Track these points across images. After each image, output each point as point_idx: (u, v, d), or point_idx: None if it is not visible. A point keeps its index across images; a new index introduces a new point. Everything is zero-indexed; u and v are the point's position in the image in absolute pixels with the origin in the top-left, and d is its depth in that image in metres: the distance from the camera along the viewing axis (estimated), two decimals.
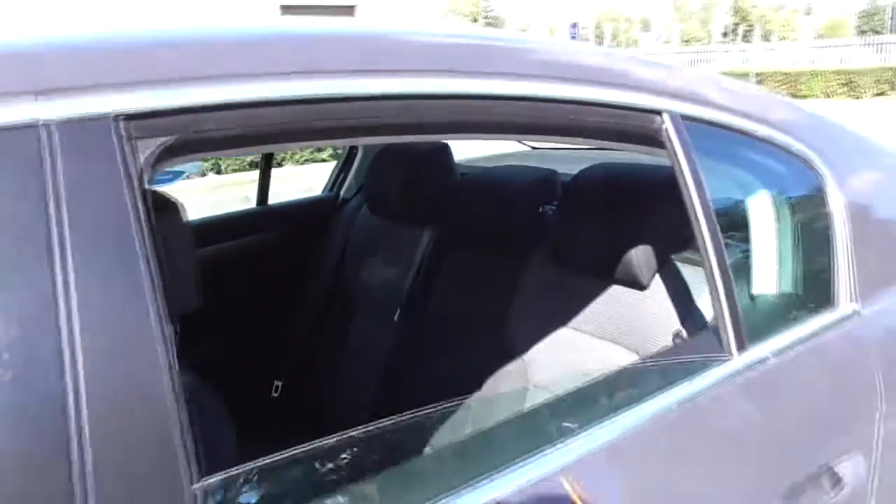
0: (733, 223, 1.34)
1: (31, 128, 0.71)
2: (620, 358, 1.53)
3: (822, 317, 1.33)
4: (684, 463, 1.09)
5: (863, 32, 38.42)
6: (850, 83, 23.38)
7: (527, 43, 1.19)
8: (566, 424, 1.05)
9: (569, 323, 1.69)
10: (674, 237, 1.50)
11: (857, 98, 22.71)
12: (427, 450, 1.07)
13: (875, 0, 47.19)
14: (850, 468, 1.22)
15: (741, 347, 1.17)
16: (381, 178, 2.28)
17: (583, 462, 0.98)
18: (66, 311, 0.69)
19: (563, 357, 1.66)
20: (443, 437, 1.12)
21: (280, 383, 2.42)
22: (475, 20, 45.50)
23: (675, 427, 1.09)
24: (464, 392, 1.38)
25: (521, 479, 0.93)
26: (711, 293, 1.18)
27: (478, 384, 1.77)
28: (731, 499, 1.11)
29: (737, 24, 46.48)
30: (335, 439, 0.93)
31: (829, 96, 23.14)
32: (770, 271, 1.38)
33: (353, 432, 0.95)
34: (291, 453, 0.86)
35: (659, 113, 1.16)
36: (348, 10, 16.08)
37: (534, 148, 2.77)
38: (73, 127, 0.73)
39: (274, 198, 2.63)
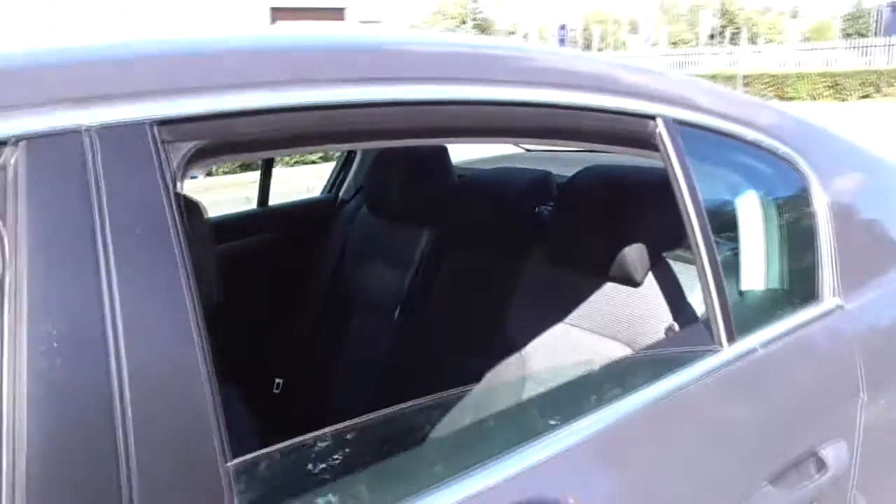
0: (723, 222, 1.40)
1: (75, 133, 0.77)
2: (615, 352, 1.59)
3: (807, 311, 1.38)
4: (677, 448, 1.15)
5: (848, 35, 38.57)
6: (835, 86, 23.50)
7: (530, 52, 1.25)
8: (564, 412, 1.11)
9: (565, 319, 1.75)
10: (666, 236, 1.56)
11: (843, 100, 22.83)
12: (430, 437, 1.13)
13: (860, 3, 47.45)
14: (833, 453, 1.28)
15: (731, 339, 1.23)
16: (381, 179, 2.33)
17: (579, 448, 1.04)
18: (110, 304, 0.75)
19: (560, 352, 1.71)
20: (446, 427, 1.18)
21: (281, 380, 2.47)
22: (463, 22, 45.37)
23: (668, 414, 1.15)
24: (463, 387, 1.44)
25: (520, 464, 0.98)
26: (703, 288, 1.24)
27: (477, 379, 1.82)
28: (722, 482, 1.17)
29: (724, 27, 46.61)
30: (350, 425, 0.99)
31: (815, 98, 23.26)
32: (758, 268, 1.43)
33: (367, 418, 1.01)
34: (313, 436, 0.93)
35: (653, 118, 1.22)
36: (338, 13, 16.10)
37: (527, 150, 2.83)
38: (113, 132, 0.79)
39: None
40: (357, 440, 0.99)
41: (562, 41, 38.46)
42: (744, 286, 1.42)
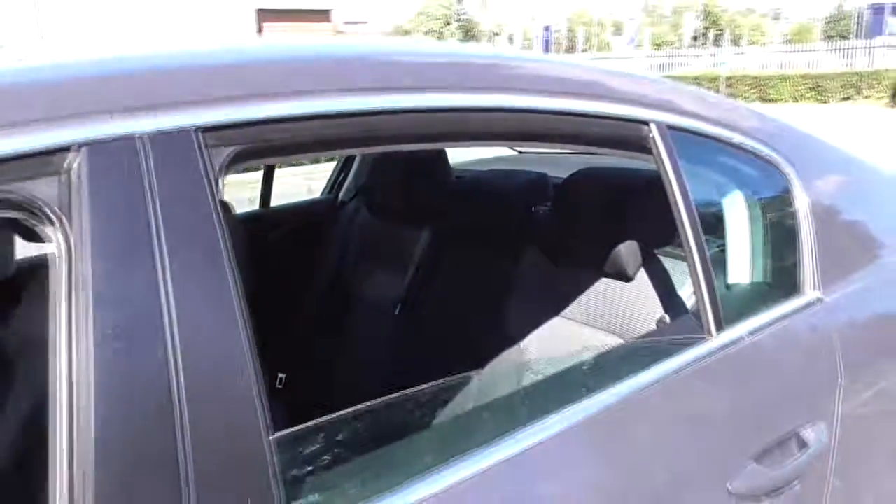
0: (712, 221, 1.49)
1: (129, 139, 0.85)
2: (610, 343, 1.67)
3: (790, 303, 1.47)
4: (669, 429, 1.24)
5: (830, 37, 38.84)
6: (817, 87, 23.60)
7: (538, 63, 1.34)
8: (561, 399, 1.20)
9: (561, 313, 1.84)
10: (656, 233, 1.65)
11: (824, 102, 22.97)
12: (434, 423, 1.22)
13: (841, 6, 47.78)
14: (813, 433, 1.36)
15: (719, 328, 1.32)
16: (381, 180, 2.41)
17: (576, 430, 1.12)
18: (164, 294, 0.83)
19: (556, 344, 1.80)
20: (449, 412, 1.27)
21: (283, 375, 2.53)
22: (447, 23, 45.40)
23: (660, 398, 1.23)
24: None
25: (519, 446, 1.06)
26: (693, 281, 1.33)
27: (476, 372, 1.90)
28: (710, 460, 1.26)
29: (707, 28, 46.89)
30: (371, 405, 1.08)
31: (797, 100, 23.39)
32: (744, 263, 1.52)
33: (384, 399, 1.10)
34: (345, 413, 1.02)
35: (646, 123, 1.31)
36: (324, 14, 16.12)
37: (520, 152, 2.91)
38: (163, 138, 0.87)
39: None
40: (376, 420, 1.09)
41: (546, 42, 38.60)
42: (730, 280, 1.51)
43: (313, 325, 2.55)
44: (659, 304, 1.63)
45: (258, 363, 0.88)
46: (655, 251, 1.70)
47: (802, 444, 1.34)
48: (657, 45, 41.91)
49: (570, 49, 43.49)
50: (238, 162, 0.94)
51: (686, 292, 1.57)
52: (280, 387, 2.53)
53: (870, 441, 1.53)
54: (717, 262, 1.40)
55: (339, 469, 0.99)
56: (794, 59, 26.67)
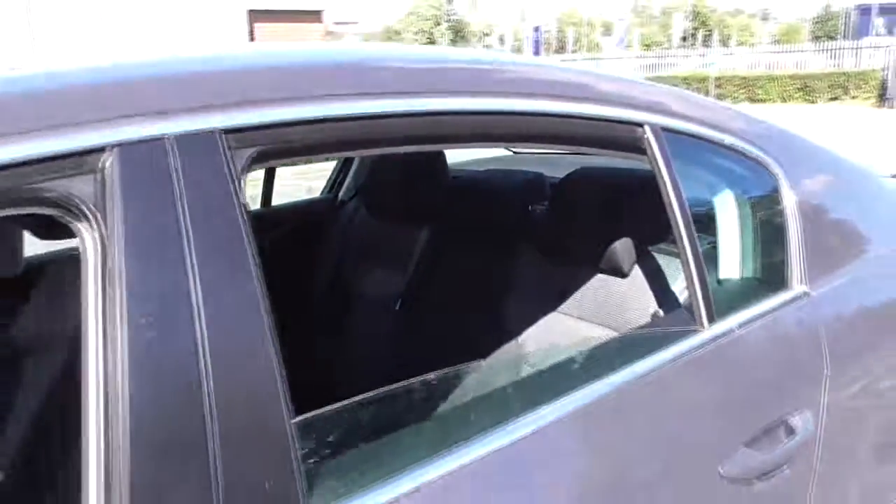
0: (703, 219, 1.55)
1: (158, 140, 0.91)
2: (605, 337, 1.74)
3: (778, 297, 1.53)
4: (664, 416, 1.30)
5: (817, 38, 39.04)
6: (805, 88, 23.72)
7: (541, 69, 1.41)
8: (558, 389, 1.26)
9: (558, 309, 1.90)
10: (650, 231, 1.71)
11: (812, 102, 23.11)
12: (440, 409, 1.28)
13: (829, 6, 48.04)
14: (800, 421, 1.43)
15: (711, 321, 1.38)
16: (380, 180, 2.46)
17: (575, 416, 1.19)
18: (192, 285, 0.89)
19: (553, 338, 1.86)
20: (451, 401, 1.33)
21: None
22: (437, 23, 45.43)
23: (655, 386, 1.29)
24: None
25: (521, 433, 1.13)
26: (686, 276, 1.40)
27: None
28: (704, 445, 1.33)
29: (696, 29, 47.06)
30: (384, 391, 1.14)
31: (785, 100, 23.52)
32: (734, 259, 1.58)
33: (394, 387, 1.16)
34: (358, 399, 1.08)
35: (641, 125, 1.37)
36: (315, 15, 16.13)
37: (515, 153, 2.97)
38: (189, 139, 0.93)
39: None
40: (386, 406, 1.15)
41: (536, 43, 38.66)
42: (722, 275, 1.57)
43: (313, 324, 2.59)
44: (653, 298, 1.69)
45: (280, 351, 0.94)
46: (649, 248, 1.76)
47: (790, 431, 1.41)
48: (647, 45, 42.03)
49: (560, 49, 43.58)
50: (258, 162, 1.00)
51: (679, 287, 1.64)
52: None
53: (854, 428, 1.59)
54: (708, 258, 1.46)
55: (352, 451, 1.05)
56: (783, 59, 26.74)
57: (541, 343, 1.87)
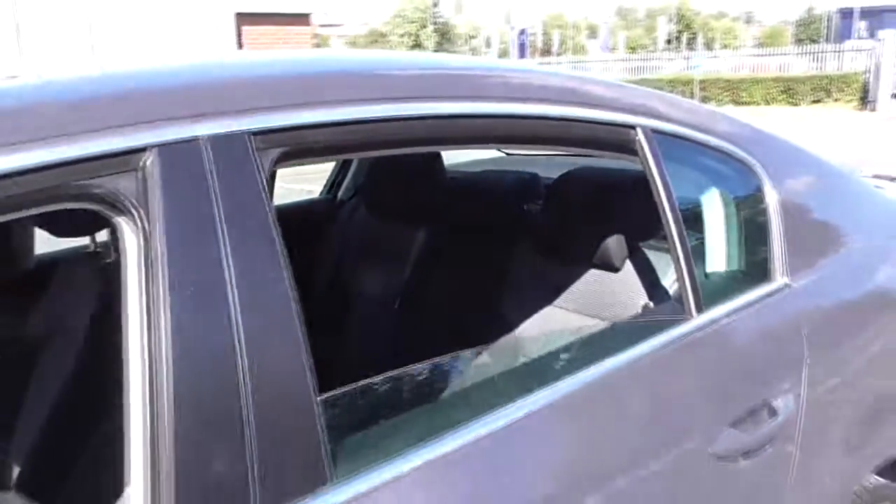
0: (692, 216, 1.64)
1: (193, 142, 0.99)
2: (599, 328, 1.83)
3: (761, 288, 1.62)
4: (657, 398, 1.40)
5: (800, 41, 39.35)
6: (788, 90, 23.87)
7: (539, 75, 1.50)
8: (556, 370, 1.35)
9: (553, 303, 1.99)
10: (641, 228, 1.81)
11: (795, 105, 23.30)
12: (444, 393, 1.37)
13: (812, 9, 48.43)
14: (782, 403, 1.52)
15: (699, 310, 1.47)
16: (379, 180, 2.54)
17: (573, 397, 1.28)
18: (228, 272, 0.97)
19: (549, 331, 1.95)
20: (451, 387, 1.42)
21: None
22: (423, 26, 45.55)
23: (647, 371, 1.39)
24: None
25: (522, 412, 1.21)
26: (676, 269, 1.49)
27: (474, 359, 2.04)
28: (692, 425, 1.42)
29: (680, 32, 47.40)
30: (397, 373, 1.23)
31: (769, 103, 23.66)
32: (720, 253, 1.67)
33: (405, 369, 1.25)
34: (375, 380, 1.17)
35: (633, 127, 1.46)
36: (303, 18, 16.15)
37: (508, 154, 3.06)
38: (221, 141, 1.01)
39: None
40: (400, 387, 1.24)
41: (522, 46, 38.80)
42: (709, 269, 1.66)
43: (313, 324, 2.64)
44: (644, 291, 1.79)
45: (306, 333, 1.03)
46: (640, 244, 1.86)
47: (773, 413, 1.50)
48: (632, 48, 42.24)
49: (546, 52, 43.76)
50: (282, 161, 1.09)
51: (668, 280, 1.73)
52: None
53: (832, 409, 1.69)
54: (696, 253, 1.55)
55: (372, 426, 1.14)
56: (766, 62, 26.84)
57: (538, 333, 1.95)
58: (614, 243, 1.81)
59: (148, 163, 0.94)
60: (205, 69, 1.17)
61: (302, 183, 3.74)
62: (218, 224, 0.98)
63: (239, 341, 0.96)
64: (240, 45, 14.16)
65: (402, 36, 44.82)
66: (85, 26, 12.05)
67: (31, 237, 1.94)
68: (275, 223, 1.03)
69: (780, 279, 1.66)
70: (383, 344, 2.39)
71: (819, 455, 1.65)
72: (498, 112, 1.31)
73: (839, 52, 25.81)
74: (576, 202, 1.88)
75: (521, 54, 37.26)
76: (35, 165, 0.87)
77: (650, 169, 1.46)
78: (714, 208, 1.70)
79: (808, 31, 45.39)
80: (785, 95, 23.87)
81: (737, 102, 23.62)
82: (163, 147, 0.96)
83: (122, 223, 0.96)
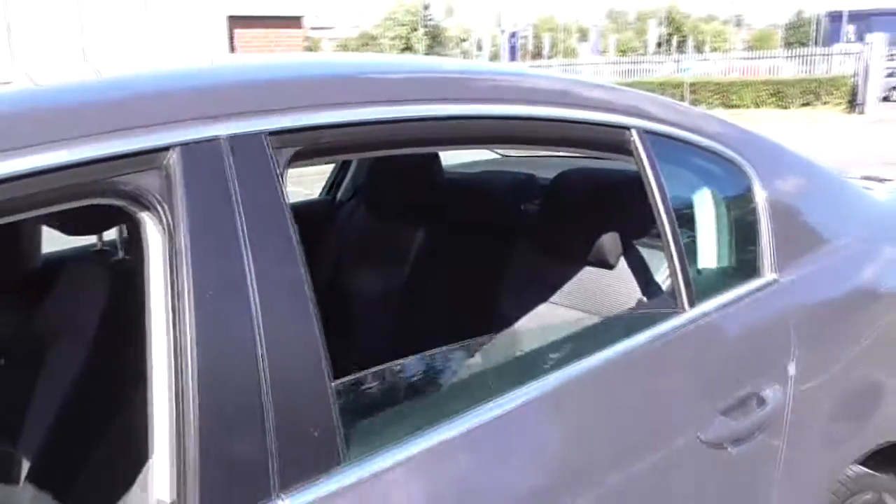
0: (684, 214, 1.70)
1: (214, 141, 1.05)
2: (595, 323, 1.89)
3: (751, 283, 1.68)
4: (649, 388, 1.46)
5: (790, 44, 39.54)
6: (778, 93, 24.06)
7: (537, 78, 1.56)
8: (555, 360, 1.41)
9: (550, 299, 2.05)
10: (635, 226, 1.87)
11: (785, 108, 23.45)
12: (447, 381, 1.42)
13: (801, 12, 48.66)
14: (771, 393, 1.58)
15: (692, 304, 1.53)
16: (378, 180, 2.59)
17: (569, 386, 1.34)
18: (247, 265, 1.03)
19: (547, 325, 2.01)
20: (457, 375, 1.47)
21: None
22: (414, 29, 45.61)
23: (641, 361, 1.45)
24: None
25: (521, 400, 1.27)
26: (669, 265, 1.55)
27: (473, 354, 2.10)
28: (685, 413, 1.48)
29: (671, 35, 47.57)
30: (406, 361, 1.29)
31: (758, 106, 23.80)
32: (711, 250, 1.74)
33: (411, 358, 1.31)
34: (394, 364, 1.22)
35: (628, 128, 1.52)
36: (295, 21, 16.17)
37: (503, 156, 3.11)
38: (240, 140, 1.06)
39: None
40: (407, 375, 1.30)
41: (512, 48, 38.92)
42: (700, 265, 1.72)
43: None
44: (637, 287, 1.85)
45: (321, 322, 1.08)
46: (634, 241, 1.92)
47: (762, 402, 1.56)
48: (622, 51, 42.37)
49: (537, 55, 43.87)
50: (297, 160, 1.14)
51: (661, 276, 1.79)
52: None
53: (818, 400, 1.75)
54: (688, 250, 1.61)
55: (383, 410, 1.20)
56: (756, 65, 27.06)
57: (536, 328, 2.01)
58: (609, 241, 1.87)
59: (171, 161, 1.00)
60: (223, 72, 1.22)
61: (298, 186, 3.79)
62: (237, 219, 1.03)
63: (259, 331, 1.02)
64: (232, 49, 14.18)
65: (392, 39, 44.91)
66: (76, 28, 12.04)
67: (38, 236, 1.99)
68: (291, 219, 1.09)
69: (768, 275, 1.72)
70: (382, 343, 2.42)
71: (805, 443, 1.71)
72: (505, 114, 1.37)
73: (828, 55, 26.03)
74: (571, 201, 1.94)
75: (512, 57, 37.38)
76: (71, 163, 0.92)
77: (644, 169, 1.52)
78: (705, 207, 1.76)
79: (797, 35, 45.62)
80: (774, 98, 24.02)
81: (727, 105, 23.76)
82: (185, 146, 1.01)
83: (146, 218, 1.01)
